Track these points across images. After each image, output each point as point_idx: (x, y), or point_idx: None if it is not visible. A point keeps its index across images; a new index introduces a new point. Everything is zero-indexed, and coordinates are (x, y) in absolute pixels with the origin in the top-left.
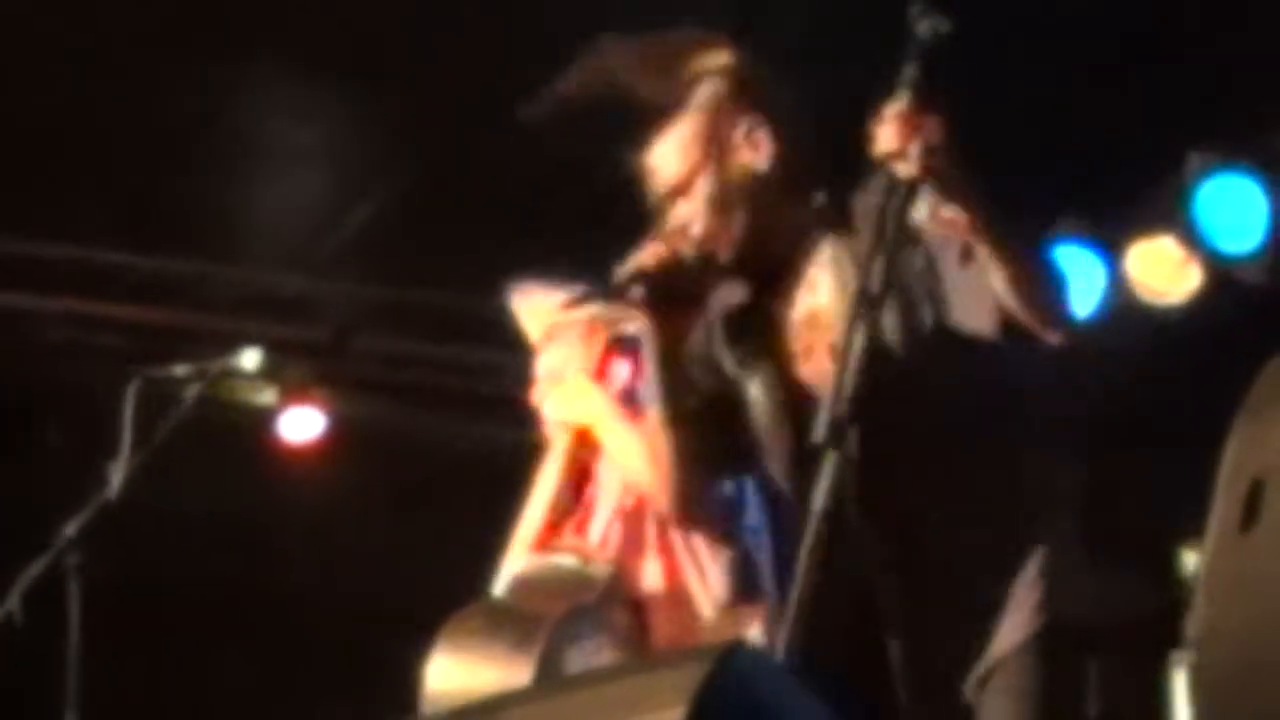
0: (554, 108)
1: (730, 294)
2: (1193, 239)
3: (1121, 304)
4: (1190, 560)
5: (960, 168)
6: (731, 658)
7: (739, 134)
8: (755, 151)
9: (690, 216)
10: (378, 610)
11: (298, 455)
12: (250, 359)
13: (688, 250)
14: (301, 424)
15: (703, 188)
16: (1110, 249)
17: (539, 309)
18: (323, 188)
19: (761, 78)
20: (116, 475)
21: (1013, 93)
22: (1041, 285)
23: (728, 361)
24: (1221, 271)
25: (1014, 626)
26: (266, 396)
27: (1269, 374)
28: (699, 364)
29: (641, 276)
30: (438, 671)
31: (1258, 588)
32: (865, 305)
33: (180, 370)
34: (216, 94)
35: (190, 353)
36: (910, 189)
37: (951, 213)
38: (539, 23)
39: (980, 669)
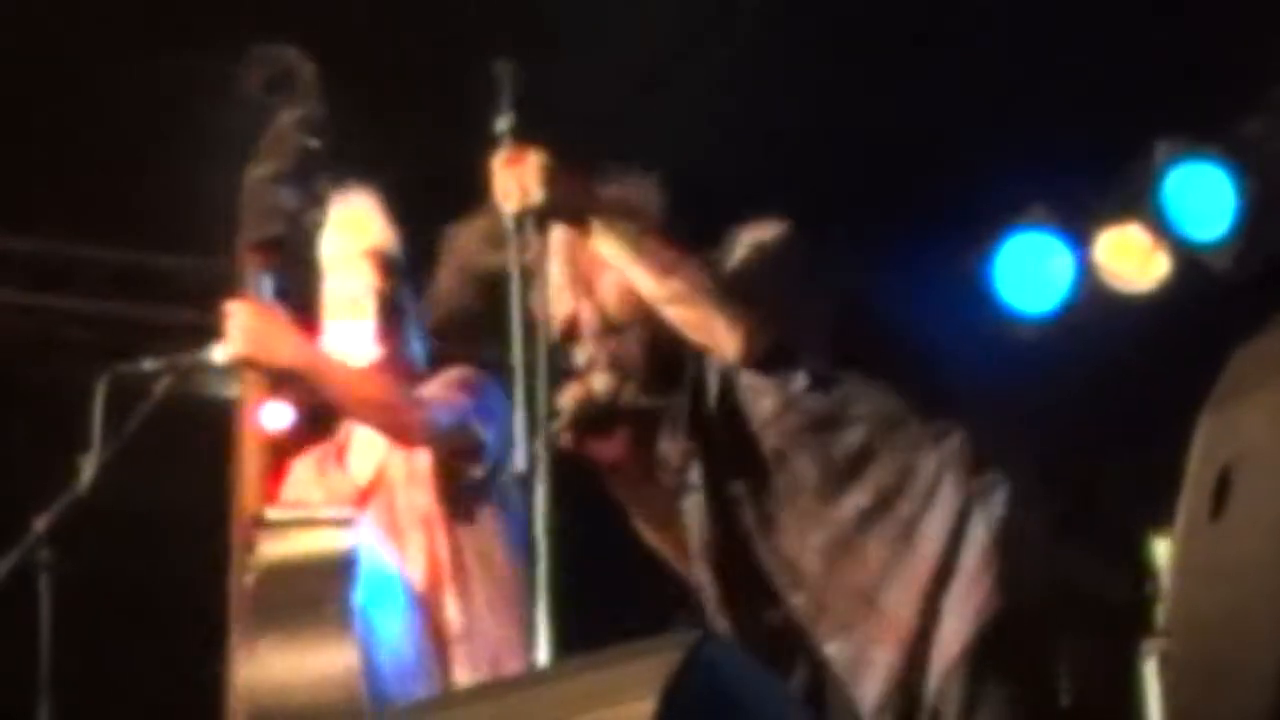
0: (461, 327)
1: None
2: (1161, 226)
3: (1090, 292)
4: (1161, 548)
5: (586, 193)
6: (701, 649)
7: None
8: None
9: (589, 352)
10: None
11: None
12: (220, 352)
13: (600, 384)
14: (272, 417)
15: (588, 323)
16: (1078, 237)
17: None
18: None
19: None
20: (87, 470)
21: (980, 82)
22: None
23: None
24: (1190, 259)
25: (960, 625)
26: (236, 390)
27: (1237, 362)
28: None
29: (569, 423)
30: (254, 691)
31: (1228, 575)
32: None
33: (150, 364)
34: (183, 86)
35: (160, 346)
36: (537, 224)
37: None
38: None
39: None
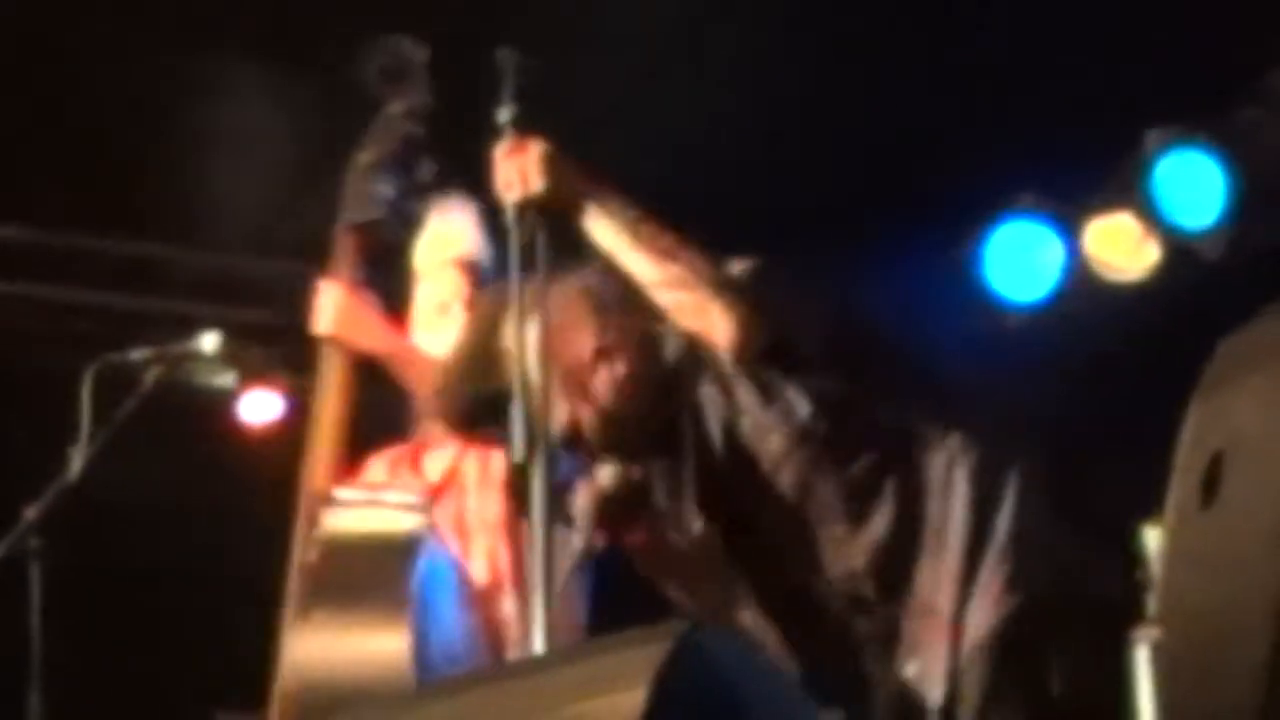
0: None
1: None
2: (1151, 215)
3: (1080, 280)
4: (1152, 537)
5: (587, 182)
6: (694, 636)
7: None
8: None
9: (591, 450)
10: None
11: (257, 438)
12: (209, 342)
13: (608, 477)
14: (261, 407)
15: (588, 424)
16: (1068, 225)
17: None
18: (281, 170)
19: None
20: (76, 459)
21: (970, 69)
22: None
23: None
24: (1180, 247)
25: (983, 615)
26: (225, 379)
27: (1226, 350)
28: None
29: (596, 522)
30: (301, 662)
31: (1218, 564)
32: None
33: (139, 354)
34: (174, 77)
35: (149, 336)
36: (538, 216)
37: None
38: (503, 12)
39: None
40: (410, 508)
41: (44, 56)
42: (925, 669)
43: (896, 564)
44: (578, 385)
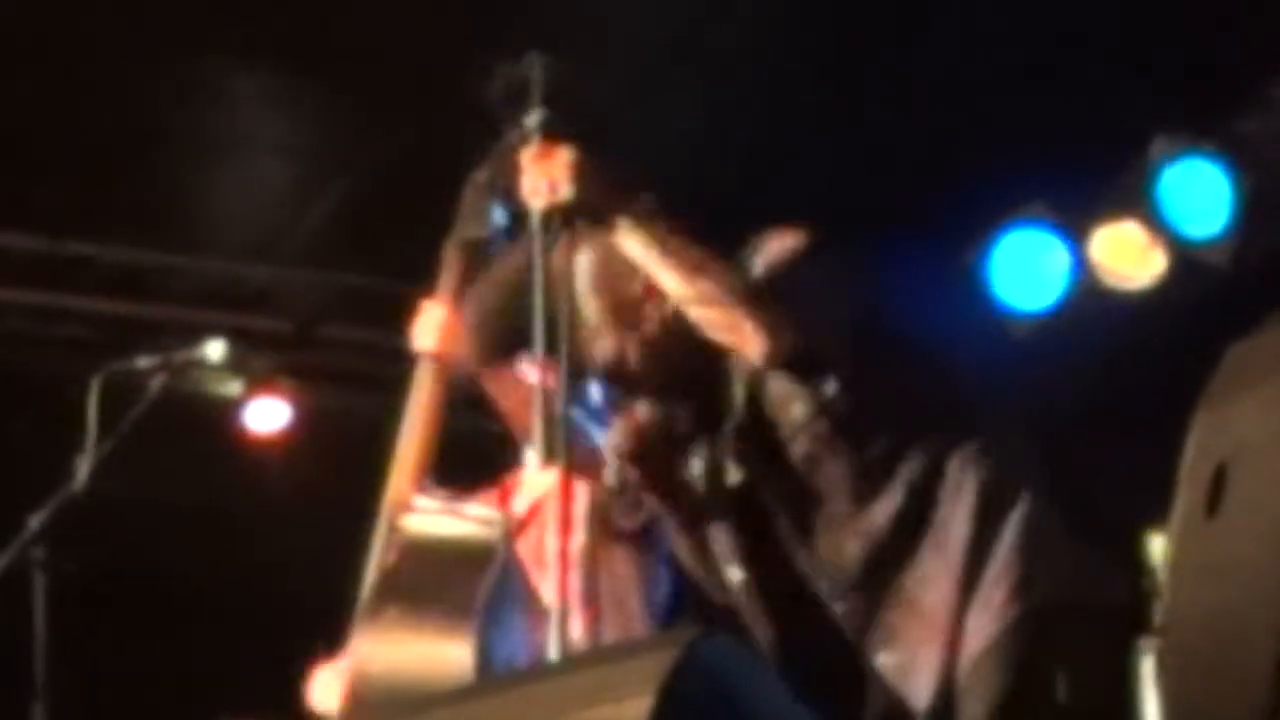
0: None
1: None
2: (1157, 223)
3: (1086, 288)
4: (1157, 546)
5: (615, 191)
6: (700, 645)
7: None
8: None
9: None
10: (344, 600)
11: (263, 446)
12: (215, 350)
13: (646, 414)
14: (267, 415)
15: (634, 357)
16: (1074, 233)
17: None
18: (286, 178)
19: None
20: (82, 467)
21: (977, 78)
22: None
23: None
24: (1186, 256)
25: (984, 622)
26: (231, 387)
27: (1232, 358)
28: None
29: (628, 457)
30: (367, 657)
31: (1223, 573)
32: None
33: (145, 362)
34: (180, 85)
35: (155, 344)
36: (563, 222)
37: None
38: (504, 15)
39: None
40: (488, 521)
41: (52, 65)
42: (904, 666)
43: (889, 555)
44: (627, 318)
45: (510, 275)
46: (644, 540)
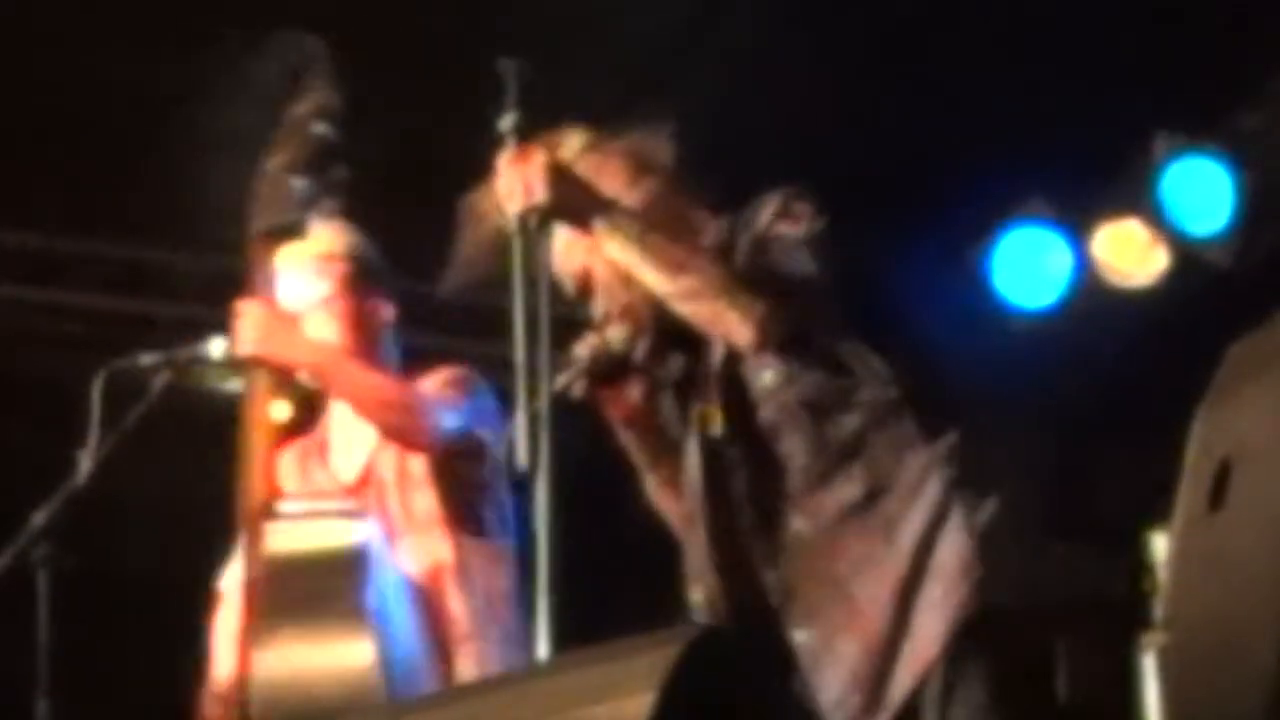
0: (468, 277)
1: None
2: (1159, 221)
3: (1088, 286)
4: (1159, 542)
5: (591, 193)
6: (702, 642)
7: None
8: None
9: (603, 305)
10: None
11: None
12: (218, 347)
13: (616, 335)
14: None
15: (601, 277)
16: (1077, 231)
17: None
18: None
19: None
20: (84, 465)
21: (979, 76)
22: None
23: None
24: (1188, 253)
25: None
26: (235, 384)
27: (1234, 357)
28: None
29: (584, 371)
30: (267, 669)
31: (1226, 569)
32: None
33: (147, 359)
34: (180, 80)
35: (157, 341)
36: (539, 226)
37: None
38: (498, 11)
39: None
40: (352, 514)
41: (51, 61)
42: (817, 650)
43: (831, 537)
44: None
45: (491, 224)
46: (488, 491)
